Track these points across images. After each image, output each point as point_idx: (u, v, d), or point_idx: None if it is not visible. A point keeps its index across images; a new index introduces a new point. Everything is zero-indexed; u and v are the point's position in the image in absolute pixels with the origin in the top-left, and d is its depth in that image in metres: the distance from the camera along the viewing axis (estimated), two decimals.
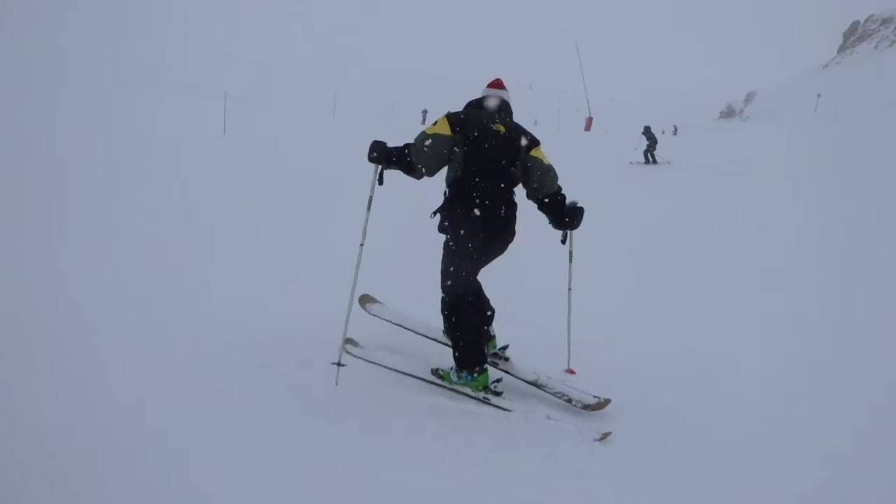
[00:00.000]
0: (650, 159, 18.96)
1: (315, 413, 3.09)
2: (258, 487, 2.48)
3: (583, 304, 3.98)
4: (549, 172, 3.37)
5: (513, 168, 3.28)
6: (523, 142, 3.33)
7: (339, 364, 3.30)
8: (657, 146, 19.08)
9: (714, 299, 5.61)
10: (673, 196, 12.02)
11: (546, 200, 3.43)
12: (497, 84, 3.48)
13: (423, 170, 3.25)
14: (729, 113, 64.69)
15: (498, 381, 3.40)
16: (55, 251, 5.29)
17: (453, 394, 3.37)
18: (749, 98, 65.28)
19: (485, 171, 3.20)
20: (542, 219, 3.59)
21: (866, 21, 68.49)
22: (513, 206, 3.34)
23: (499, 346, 3.66)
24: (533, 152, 3.35)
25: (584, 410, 3.25)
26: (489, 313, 3.53)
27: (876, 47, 61.73)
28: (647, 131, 19.43)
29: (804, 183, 12.68)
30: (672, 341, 4.43)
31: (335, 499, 2.45)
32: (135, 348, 3.56)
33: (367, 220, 3.40)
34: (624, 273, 6.21)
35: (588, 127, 34.98)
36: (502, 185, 3.25)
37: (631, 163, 18.54)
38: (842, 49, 69.57)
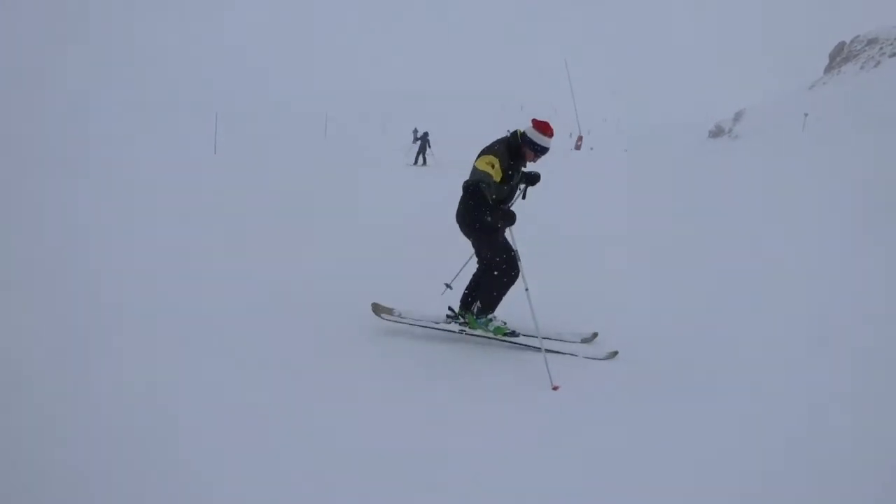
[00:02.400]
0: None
1: (315, 412, 3.21)
2: (258, 488, 2.51)
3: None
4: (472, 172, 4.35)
5: None
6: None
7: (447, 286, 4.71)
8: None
9: (708, 297, 5.63)
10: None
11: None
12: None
13: None
14: (718, 132, 65.29)
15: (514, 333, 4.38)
16: (55, 252, 5.53)
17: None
18: (738, 117, 66.00)
19: None
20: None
21: (852, 42, 69.65)
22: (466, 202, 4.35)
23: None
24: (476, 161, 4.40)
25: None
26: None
27: (862, 68, 62.67)
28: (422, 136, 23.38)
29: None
30: (670, 343, 4.42)
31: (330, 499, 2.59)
32: (136, 349, 3.67)
33: None
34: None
35: (578, 146, 35.23)
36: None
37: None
38: (828, 69, 70.69)
